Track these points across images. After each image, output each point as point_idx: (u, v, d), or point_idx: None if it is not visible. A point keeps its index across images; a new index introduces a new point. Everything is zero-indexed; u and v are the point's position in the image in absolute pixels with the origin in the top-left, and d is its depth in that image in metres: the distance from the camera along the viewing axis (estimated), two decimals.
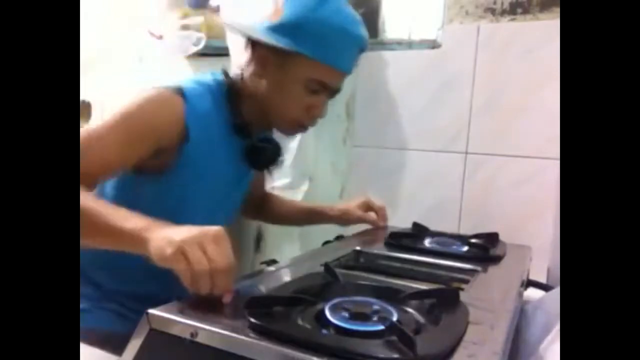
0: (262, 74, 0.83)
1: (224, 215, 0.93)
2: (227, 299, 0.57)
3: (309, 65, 0.79)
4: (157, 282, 0.83)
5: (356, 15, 0.82)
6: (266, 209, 1.15)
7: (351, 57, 0.83)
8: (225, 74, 0.89)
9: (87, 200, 0.64)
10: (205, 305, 0.56)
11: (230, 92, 0.86)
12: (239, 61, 1.18)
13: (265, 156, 0.90)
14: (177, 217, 0.73)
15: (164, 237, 0.57)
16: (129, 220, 0.62)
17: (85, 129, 0.74)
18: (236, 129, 0.86)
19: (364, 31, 0.83)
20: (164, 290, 0.82)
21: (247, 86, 0.86)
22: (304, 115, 0.84)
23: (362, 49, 0.84)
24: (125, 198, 0.81)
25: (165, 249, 0.56)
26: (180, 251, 0.55)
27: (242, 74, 0.87)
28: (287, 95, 0.82)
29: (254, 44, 0.83)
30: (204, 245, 0.56)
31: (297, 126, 0.87)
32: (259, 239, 1.27)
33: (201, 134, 0.80)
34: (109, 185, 0.84)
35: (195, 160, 0.81)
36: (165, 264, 0.57)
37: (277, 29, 0.78)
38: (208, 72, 0.89)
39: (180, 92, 0.80)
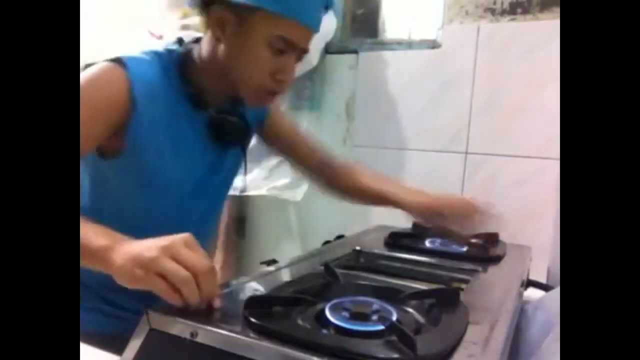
0: (221, 36, 0.76)
1: (204, 204, 0.87)
2: (217, 302, 0.54)
3: (271, 20, 0.71)
4: None
5: None
6: (336, 179, 1.03)
7: (315, 12, 0.76)
8: (180, 41, 0.82)
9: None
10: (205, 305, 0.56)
11: (184, 59, 0.79)
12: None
13: (230, 130, 0.82)
14: (148, 207, 0.72)
15: (129, 258, 0.52)
16: (98, 237, 0.56)
17: None
18: (190, 99, 0.79)
19: None
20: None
21: (205, 52, 0.79)
22: (270, 81, 0.76)
23: (326, 5, 0.77)
24: (100, 190, 0.78)
25: (133, 272, 0.51)
26: (152, 270, 0.50)
27: (199, 40, 0.81)
28: (250, 58, 0.74)
29: (209, 4, 0.75)
30: (176, 255, 0.51)
31: (264, 93, 0.78)
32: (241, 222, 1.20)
33: (149, 106, 0.74)
34: (85, 178, 0.80)
35: (147, 136, 0.74)
36: (138, 286, 0.52)
37: None
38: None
39: (119, 61, 0.73)
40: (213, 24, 0.76)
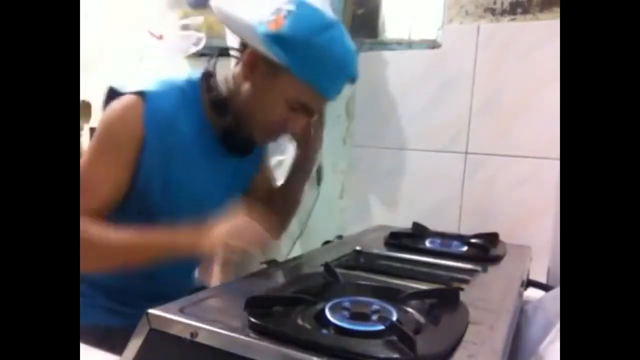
0: (248, 77, 0.82)
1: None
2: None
3: (296, 85, 0.77)
4: (149, 278, 0.84)
5: (353, 48, 0.81)
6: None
7: (339, 87, 0.83)
8: (205, 74, 0.87)
9: (121, 234, 0.74)
10: (205, 305, 0.56)
11: (206, 89, 0.85)
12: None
13: (241, 137, 0.86)
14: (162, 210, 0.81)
15: (212, 240, 0.72)
16: (174, 237, 0.75)
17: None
18: (214, 106, 0.84)
19: (355, 64, 0.82)
20: (156, 286, 0.82)
21: (229, 85, 0.85)
22: (279, 127, 0.84)
23: (350, 80, 0.83)
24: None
25: (216, 249, 0.72)
26: (228, 249, 0.71)
27: (229, 74, 0.87)
28: (267, 105, 0.81)
29: (248, 46, 0.81)
30: (241, 236, 0.72)
31: (270, 134, 0.86)
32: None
33: (162, 132, 0.79)
34: None
35: (154, 167, 0.80)
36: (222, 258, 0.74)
37: (275, 38, 0.75)
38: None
39: (141, 94, 0.79)
40: (245, 63, 0.82)
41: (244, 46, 0.83)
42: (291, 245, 1.20)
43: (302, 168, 0.98)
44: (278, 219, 1.01)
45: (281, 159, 1.16)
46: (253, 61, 0.80)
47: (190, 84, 0.86)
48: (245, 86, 0.83)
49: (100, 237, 0.74)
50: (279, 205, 1.00)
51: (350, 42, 0.81)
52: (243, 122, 0.84)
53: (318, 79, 0.77)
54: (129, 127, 0.78)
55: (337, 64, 0.79)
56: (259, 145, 0.90)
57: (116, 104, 0.79)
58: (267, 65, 0.78)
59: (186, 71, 1.45)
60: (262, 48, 0.76)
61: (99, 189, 0.77)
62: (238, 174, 0.94)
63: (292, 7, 0.76)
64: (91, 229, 0.73)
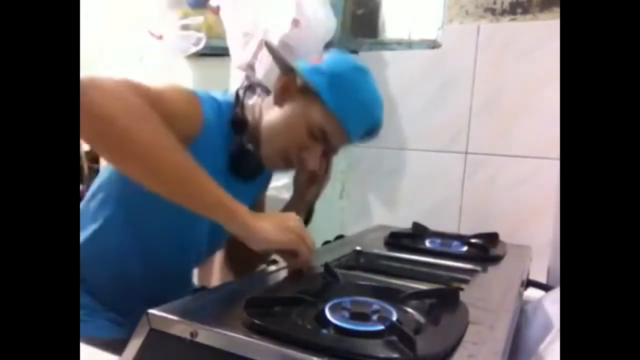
0: (279, 102, 0.84)
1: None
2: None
3: (324, 113, 0.80)
4: (156, 281, 0.84)
5: (380, 100, 0.86)
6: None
7: (360, 131, 0.84)
8: (237, 97, 0.88)
9: (173, 138, 0.65)
10: (205, 305, 0.56)
11: (236, 115, 0.86)
12: (238, 61, 1.18)
13: (250, 160, 0.86)
14: (166, 224, 0.80)
15: (278, 224, 0.70)
16: (222, 195, 0.67)
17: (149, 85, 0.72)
18: (234, 123, 0.84)
19: (382, 117, 0.86)
20: (162, 290, 0.82)
21: (256, 111, 0.87)
22: (293, 151, 0.83)
23: (371, 130, 0.86)
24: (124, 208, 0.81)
25: (283, 236, 0.69)
26: (300, 238, 0.70)
27: (259, 103, 0.89)
28: (289, 126, 0.82)
29: (284, 73, 0.84)
30: (305, 230, 0.72)
31: (282, 159, 0.85)
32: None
33: (206, 136, 0.79)
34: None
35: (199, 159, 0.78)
36: (277, 247, 0.71)
37: (314, 69, 0.81)
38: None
39: (193, 92, 0.80)
40: (277, 88, 0.84)
41: (280, 77, 0.85)
42: None
43: (294, 209, 0.95)
44: (245, 267, 1.00)
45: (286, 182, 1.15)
46: (287, 87, 0.83)
47: (226, 103, 0.87)
48: (272, 111, 0.85)
49: (163, 128, 0.65)
50: (248, 255, 1.00)
51: (378, 92, 0.86)
52: (259, 143, 0.84)
53: (345, 112, 0.80)
54: (195, 106, 0.78)
55: (366, 104, 0.83)
56: (267, 169, 0.90)
57: (175, 85, 0.78)
58: (300, 93, 0.82)
59: (186, 71, 1.46)
60: (300, 72, 0.81)
61: (174, 102, 0.73)
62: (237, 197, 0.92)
63: (330, 53, 0.86)
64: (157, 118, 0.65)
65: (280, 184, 1.24)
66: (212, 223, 0.84)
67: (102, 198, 0.83)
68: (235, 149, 0.84)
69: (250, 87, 0.92)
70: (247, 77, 0.96)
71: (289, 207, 0.98)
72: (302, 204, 0.97)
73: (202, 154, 0.79)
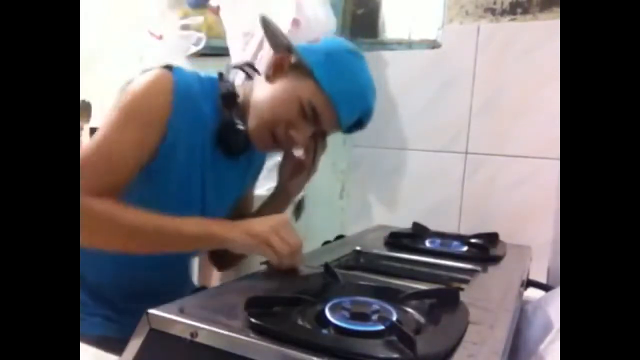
0: (271, 78, 0.83)
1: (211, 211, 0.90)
2: (299, 270, 0.74)
3: (316, 92, 0.79)
4: (159, 273, 0.84)
5: (374, 87, 0.85)
6: None
7: (351, 116, 0.83)
8: (221, 75, 0.88)
9: (139, 213, 0.71)
10: (205, 305, 0.56)
11: (228, 90, 0.85)
12: (238, 61, 1.18)
13: (237, 134, 0.84)
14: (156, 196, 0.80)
15: (246, 232, 0.72)
16: (196, 224, 0.74)
17: (94, 141, 0.74)
18: (224, 98, 0.84)
19: (372, 107, 0.85)
20: (164, 284, 0.82)
21: (242, 88, 0.87)
22: (282, 131, 0.81)
23: (361, 119, 0.85)
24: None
25: (250, 242, 0.71)
26: (264, 242, 0.71)
27: (248, 83, 0.88)
28: (280, 100, 0.81)
29: (278, 50, 0.84)
30: (279, 233, 0.71)
31: (271, 140, 0.83)
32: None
33: (184, 112, 0.78)
34: None
35: (176, 139, 0.78)
36: (252, 252, 0.75)
37: (309, 49, 0.81)
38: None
39: (169, 68, 0.79)
40: (271, 65, 0.83)
41: (274, 53, 0.84)
42: None
43: (278, 201, 0.97)
44: (230, 259, 1.01)
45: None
46: (280, 64, 0.82)
47: (209, 78, 0.87)
48: (263, 86, 0.84)
49: (129, 212, 0.72)
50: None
51: (373, 84, 0.85)
52: (248, 119, 0.83)
53: (338, 92, 0.79)
54: (158, 96, 0.77)
55: (359, 87, 0.82)
56: (254, 147, 0.87)
57: (144, 77, 0.78)
58: (293, 69, 0.81)
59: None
60: (298, 51, 0.80)
61: (122, 161, 0.75)
62: (223, 175, 0.90)
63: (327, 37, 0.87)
64: (118, 205, 0.72)
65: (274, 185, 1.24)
66: (202, 213, 0.84)
67: None
68: (222, 123, 0.83)
69: (236, 67, 0.91)
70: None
71: (271, 198, 0.97)
72: (285, 194, 0.96)
73: (187, 125, 0.79)
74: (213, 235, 0.73)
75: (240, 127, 0.84)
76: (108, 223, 0.71)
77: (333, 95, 0.79)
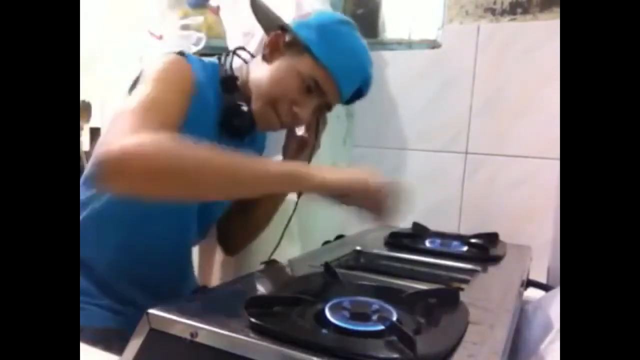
0: (269, 58, 0.84)
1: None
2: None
3: (315, 65, 0.80)
4: (173, 265, 0.85)
5: (369, 56, 0.86)
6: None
7: (351, 84, 0.84)
8: (219, 58, 0.89)
9: (218, 152, 0.65)
10: (205, 305, 0.56)
11: (227, 72, 0.86)
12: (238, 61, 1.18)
13: (241, 116, 0.85)
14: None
15: (341, 174, 0.70)
16: (281, 164, 0.73)
17: (132, 100, 0.71)
18: (224, 82, 0.85)
19: (371, 70, 0.86)
20: (175, 275, 0.82)
21: (243, 72, 0.87)
22: (286, 108, 0.83)
23: (361, 87, 0.86)
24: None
25: (348, 184, 0.69)
26: (364, 185, 0.69)
27: (245, 61, 0.89)
28: (282, 79, 0.82)
29: (272, 29, 0.85)
30: (376, 179, 0.70)
31: (275, 118, 0.84)
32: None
33: (198, 97, 0.79)
34: None
35: (188, 120, 0.78)
36: (345, 197, 0.71)
37: (302, 24, 0.82)
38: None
39: (182, 54, 0.81)
40: (267, 45, 0.84)
41: (268, 34, 0.86)
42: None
43: None
44: (240, 238, 1.04)
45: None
46: (275, 42, 0.83)
47: (211, 63, 0.87)
48: (261, 67, 0.85)
49: (207, 149, 0.65)
50: (246, 225, 1.02)
51: (368, 52, 0.85)
52: (251, 100, 0.84)
53: (336, 63, 0.80)
54: (184, 72, 0.78)
55: (355, 58, 0.83)
56: (259, 129, 0.88)
57: (165, 56, 0.79)
58: (289, 47, 0.82)
59: None
60: (292, 29, 0.81)
61: (170, 109, 0.73)
62: None
63: (318, 9, 0.87)
64: (185, 142, 0.64)
65: None
66: (200, 203, 0.83)
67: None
68: (227, 106, 0.84)
69: (234, 52, 0.92)
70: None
71: None
72: None
73: (197, 113, 0.79)
74: (301, 174, 0.69)
75: (244, 108, 0.85)
76: (178, 158, 0.63)
77: (332, 68, 0.80)
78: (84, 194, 0.82)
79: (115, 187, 0.63)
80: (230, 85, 0.85)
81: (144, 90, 0.73)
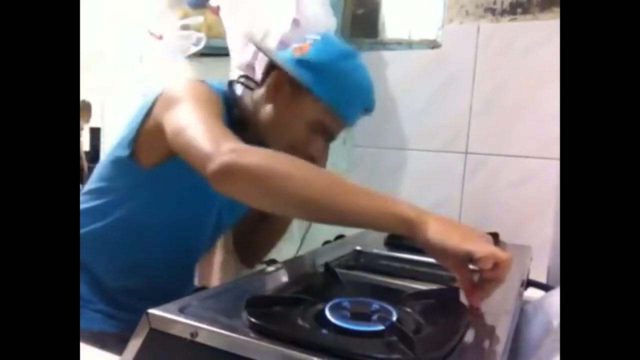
0: (272, 99, 0.84)
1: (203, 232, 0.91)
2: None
3: (319, 107, 0.81)
4: (166, 272, 0.84)
5: (370, 78, 0.85)
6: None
7: (357, 113, 0.86)
8: (230, 84, 0.88)
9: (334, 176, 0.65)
10: (205, 305, 0.56)
11: (233, 103, 0.86)
12: (238, 61, 1.19)
13: None
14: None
15: (448, 224, 0.60)
16: (395, 203, 0.61)
17: (194, 120, 0.70)
18: (236, 123, 0.83)
19: (372, 94, 0.86)
20: (169, 283, 0.82)
21: (252, 104, 0.87)
22: (297, 148, 0.82)
23: (367, 110, 0.87)
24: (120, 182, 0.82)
25: (453, 239, 0.58)
26: (492, 255, 0.57)
27: (249, 94, 0.88)
28: (289, 126, 0.83)
29: (273, 69, 0.84)
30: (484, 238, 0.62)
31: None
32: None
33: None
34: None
35: None
36: (444, 252, 0.58)
37: (301, 63, 0.81)
38: (215, 80, 0.88)
39: (210, 89, 0.81)
40: (270, 85, 0.84)
41: (270, 71, 0.85)
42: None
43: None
44: (260, 248, 1.03)
45: None
46: (278, 83, 0.83)
47: (222, 91, 0.86)
48: (267, 108, 0.85)
49: (308, 164, 0.65)
50: (265, 234, 1.02)
51: (366, 71, 0.85)
52: (263, 143, 0.82)
53: (339, 101, 0.81)
54: (212, 94, 0.78)
55: (357, 89, 0.84)
56: None
57: (186, 82, 0.79)
58: (291, 87, 0.82)
59: (186, 71, 1.46)
60: (294, 72, 0.80)
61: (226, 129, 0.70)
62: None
63: (317, 37, 0.84)
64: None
65: None
66: (219, 218, 0.83)
67: (104, 190, 0.83)
68: None
69: (244, 81, 0.91)
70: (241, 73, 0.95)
71: None
72: None
73: None
74: (405, 218, 0.60)
75: None
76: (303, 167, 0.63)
77: (336, 105, 0.81)
78: (93, 202, 0.83)
79: (230, 190, 0.63)
80: (243, 126, 0.83)
81: (191, 113, 0.71)
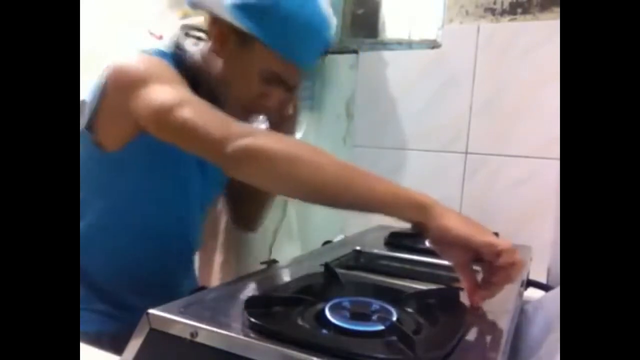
0: (220, 52, 0.79)
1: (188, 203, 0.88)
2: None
3: (266, 54, 0.75)
4: (161, 265, 0.84)
5: (325, 12, 0.77)
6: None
7: (312, 55, 0.79)
8: (178, 46, 0.84)
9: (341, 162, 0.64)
10: (205, 305, 0.56)
11: (184, 63, 0.81)
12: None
13: None
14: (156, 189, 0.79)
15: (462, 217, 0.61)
16: (411, 191, 0.64)
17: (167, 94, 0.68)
18: (192, 83, 0.79)
19: (330, 30, 0.79)
20: (166, 278, 0.82)
21: (202, 62, 0.82)
22: (255, 103, 0.80)
23: (325, 49, 0.80)
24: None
25: (469, 228, 0.59)
26: (484, 232, 0.58)
27: (199, 50, 0.83)
28: (241, 79, 0.78)
29: (215, 19, 0.78)
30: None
31: (246, 112, 0.81)
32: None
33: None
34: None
35: None
36: (464, 240, 0.58)
37: (243, 7, 0.73)
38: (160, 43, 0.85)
39: (158, 56, 0.78)
40: (214, 37, 0.79)
41: (213, 22, 0.79)
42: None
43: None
44: (255, 210, 1.01)
45: None
46: (222, 34, 0.77)
47: (169, 53, 0.83)
48: (218, 63, 0.80)
49: (307, 146, 0.64)
50: (256, 195, 0.99)
51: (319, 6, 0.76)
52: (217, 100, 0.78)
53: (288, 45, 0.74)
54: (169, 67, 0.76)
55: (308, 27, 0.75)
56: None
57: (135, 57, 0.78)
58: (237, 37, 0.76)
59: None
60: (232, 19, 0.74)
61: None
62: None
63: None
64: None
65: None
66: (203, 189, 0.83)
67: (90, 187, 0.81)
68: None
69: (188, 34, 0.87)
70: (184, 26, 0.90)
71: None
72: None
73: None
74: (422, 204, 0.63)
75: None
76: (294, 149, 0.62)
77: (286, 51, 0.75)
78: (89, 198, 0.81)
79: (247, 174, 0.63)
80: (192, 84, 0.77)
81: (167, 88, 0.69)
